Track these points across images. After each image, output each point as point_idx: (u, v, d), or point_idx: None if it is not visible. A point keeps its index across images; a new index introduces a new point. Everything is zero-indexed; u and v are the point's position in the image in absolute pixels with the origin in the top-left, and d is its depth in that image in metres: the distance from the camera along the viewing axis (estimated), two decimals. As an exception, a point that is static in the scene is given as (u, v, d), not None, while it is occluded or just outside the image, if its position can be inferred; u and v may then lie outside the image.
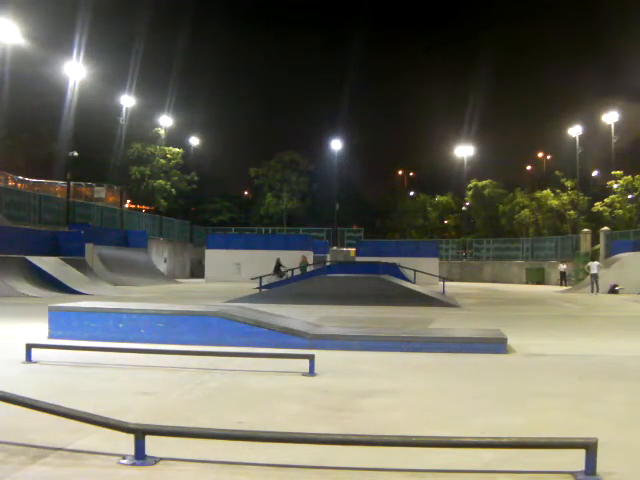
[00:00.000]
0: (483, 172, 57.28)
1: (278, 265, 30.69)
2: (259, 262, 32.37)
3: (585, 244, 38.60)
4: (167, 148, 49.28)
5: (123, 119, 44.79)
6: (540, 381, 6.05)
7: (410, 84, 73.25)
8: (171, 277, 36.65)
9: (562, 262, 38.08)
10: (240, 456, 3.46)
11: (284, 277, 27.60)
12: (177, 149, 50.00)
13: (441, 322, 11.68)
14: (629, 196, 42.69)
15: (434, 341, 7.91)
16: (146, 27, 46.86)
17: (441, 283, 25.00)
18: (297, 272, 27.85)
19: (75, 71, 37.30)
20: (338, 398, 5.11)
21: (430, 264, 34.45)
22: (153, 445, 3.39)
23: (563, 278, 36.13)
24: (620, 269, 28.02)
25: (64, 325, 8.17)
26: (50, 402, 3.70)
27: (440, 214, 60.22)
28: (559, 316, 15.08)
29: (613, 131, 44.17)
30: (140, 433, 3.37)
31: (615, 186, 43.26)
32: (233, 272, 35.12)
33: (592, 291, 26.19)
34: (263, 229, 53.91)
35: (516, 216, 51.89)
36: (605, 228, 37.21)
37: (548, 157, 66.13)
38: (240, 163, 60.68)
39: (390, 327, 10.20)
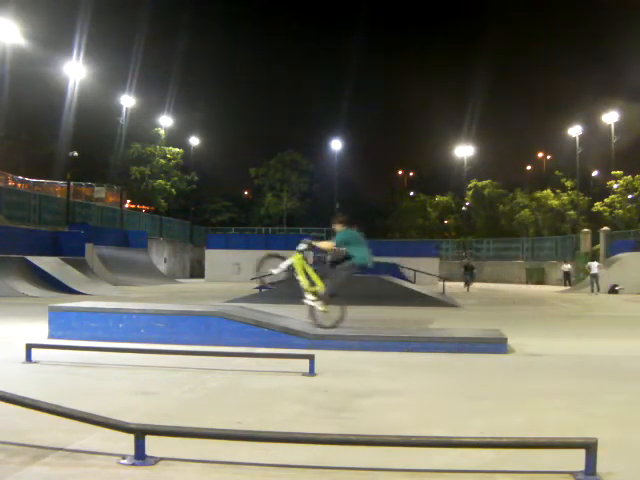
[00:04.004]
0: (483, 172, 57.31)
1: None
2: (259, 262, 32.32)
3: (585, 244, 38.60)
4: (167, 148, 49.28)
5: (123, 119, 44.80)
6: (540, 381, 6.05)
7: (410, 84, 73.27)
8: (171, 277, 36.65)
9: (565, 262, 38.05)
10: (240, 456, 3.45)
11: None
12: (177, 149, 50.01)
13: (441, 322, 11.68)
14: (629, 196, 42.70)
15: (434, 341, 7.91)
16: (146, 27, 46.89)
17: (441, 283, 25.00)
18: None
19: (75, 71, 37.32)
20: (338, 398, 5.10)
21: (430, 264, 34.44)
22: (153, 445, 3.39)
23: (567, 278, 36.06)
24: (620, 269, 28.03)
25: (64, 325, 8.17)
26: (50, 402, 3.70)
27: (440, 214, 60.21)
28: (559, 316, 15.08)
29: (613, 131, 44.19)
30: (140, 433, 3.37)
31: (615, 186, 43.29)
32: (233, 272, 35.16)
33: (592, 291, 26.19)
34: (263, 229, 53.90)
35: (516, 216, 51.88)
36: (605, 228, 37.21)
37: (548, 157, 66.17)
38: (240, 163, 60.68)
39: (390, 327, 10.20)
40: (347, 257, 8.50)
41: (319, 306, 8.49)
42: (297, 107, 78.80)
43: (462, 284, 29.92)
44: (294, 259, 8.55)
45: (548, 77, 75.83)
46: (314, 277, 8.53)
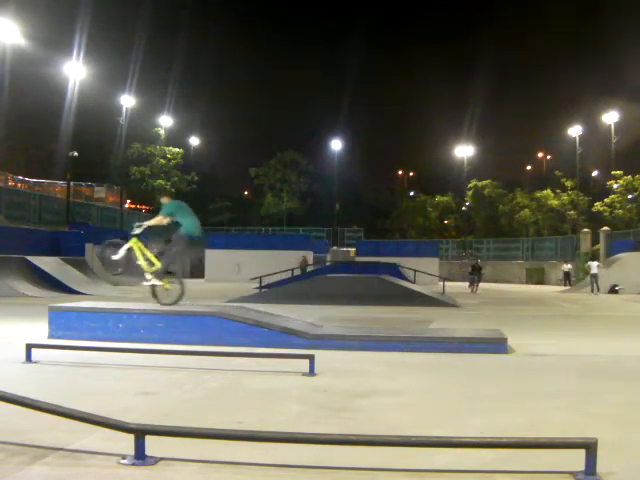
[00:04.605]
0: (483, 172, 57.28)
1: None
2: (259, 262, 32.38)
3: (585, 244, 38.59)
4: (167, 148, 49.30)
5: (123, 119, 44.81)
6: (540, 381, 6.05)
7: (410, 84, 73.27)
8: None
9: (566, 262, 38.05)
10: (240, 456, 3.45)
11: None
12: (177, 149, 50.02)
13: (441, 322, 11.68)
14: (629, 196, 42.73)
15: (434, 341, 7.91)
16: (146, 27, 46.89)
17: (441, 283, 25.00)
18: (297, 272, 27.91)
19: (75, 71, 37.30)
20: (338, 398, 5.10)
21: (430, 264, 34.42)
22: (153, 445, 3.39)
23: (567, 278, 36.04)
24: (620, 269, 28.01)
25: (64, 325, 8.17)
26: (50, 402, 3.70)
27: (440, 214, 60.21)
28: (559, 316, 15.08)
29: (613, 131, 44.20)
30: (140, 433, 3.37)
31: (615, 186, 43.32)
32: (233, 272, 35.12)
33: (592, 291, 26.19)
34: (263, 229, 53.92)
35: (516, 216, 51.89)
36: (605, 228, 37.21)
37: (548, 157, 66.18)
38: (240, 163, 60.66)
39: (390, 327, 10.20)
40: (177, 225, 8.77)
41: (158, 284, 8.77)
42: (297, 107, 78.78)
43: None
44: (131, 243, 8.85)
45: (548, 77, 75.93)
46: (152, 258, 8.82)
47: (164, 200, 9.09)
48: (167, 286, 8.81)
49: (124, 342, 7.36)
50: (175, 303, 8.70)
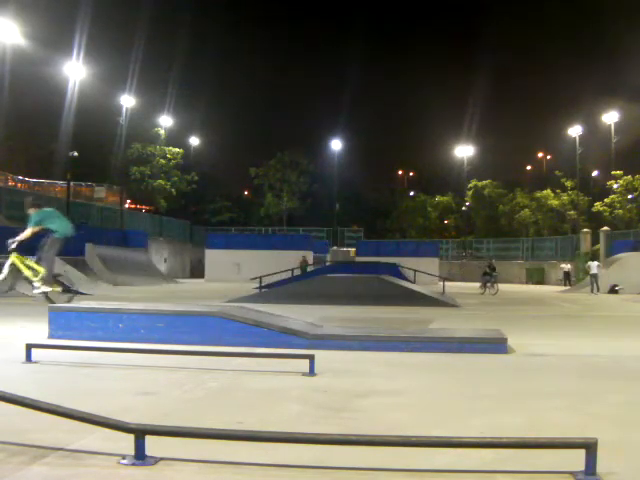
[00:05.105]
0: (483, 172, 57.38)
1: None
2: (259, 262, 32.40)
3: (585, 244, 38.62)
4: (167, 148, 49.31)
5: (123, 119, 44.80)
6: (540, 381, 6.05)
7: (410, 84, 73.31)
8: (171, 277, 36.64)
9: (565, 262, 38.08)
10: (240, 456, 3.45)
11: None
12: (177, 149, 50.03)
13: (441, 322, 11.68)
14: (629, 196, 42.76)
15: (434, 341, 7.91)
16: (146, 27, 46.94)
17: (441, 283, 24.99)
18: (297, 272, 27.94)
19: (75, 71, 37.29)
20: (338, 398, 5.10)
21: (430, 264, 34.45)
22: (153, 445, 3.38)
23: (567, 278, 36.06)
24: (620, 269, 28.03)
25: (64, 325, 8.16)
26: (50, 402, 3.69)
27: (440, 214, 60.25)
28: (559, 316, 15.08)
29: (613, 131, 44.21)
30: (140, 433, 3.36)
31: (615, 186, 43.36)
32: (233, 272, 35.14)
33: (592, 291, 26.20)
34: (263, 229, 53.95)
35: (516, 216, 51.94)
36: (605, 228, 37.22)
37: (548, 157, 66.24)
38: (240, 163, 60.69)
39: (390, 327, 10.19)
40: (50, 232, 8.97)
41: (48, 288, 8.97)
42: (297, 107, 78.86)
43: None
44: (13, 258, 8.99)
45: (548, 77, 75.97)
46: (35, 266, 8.99)
47: (31, 211, 9.27)
48: (57, 289, 8.98)
49: (124, 342, 7.35)
50: (69, 302, 8.89)
